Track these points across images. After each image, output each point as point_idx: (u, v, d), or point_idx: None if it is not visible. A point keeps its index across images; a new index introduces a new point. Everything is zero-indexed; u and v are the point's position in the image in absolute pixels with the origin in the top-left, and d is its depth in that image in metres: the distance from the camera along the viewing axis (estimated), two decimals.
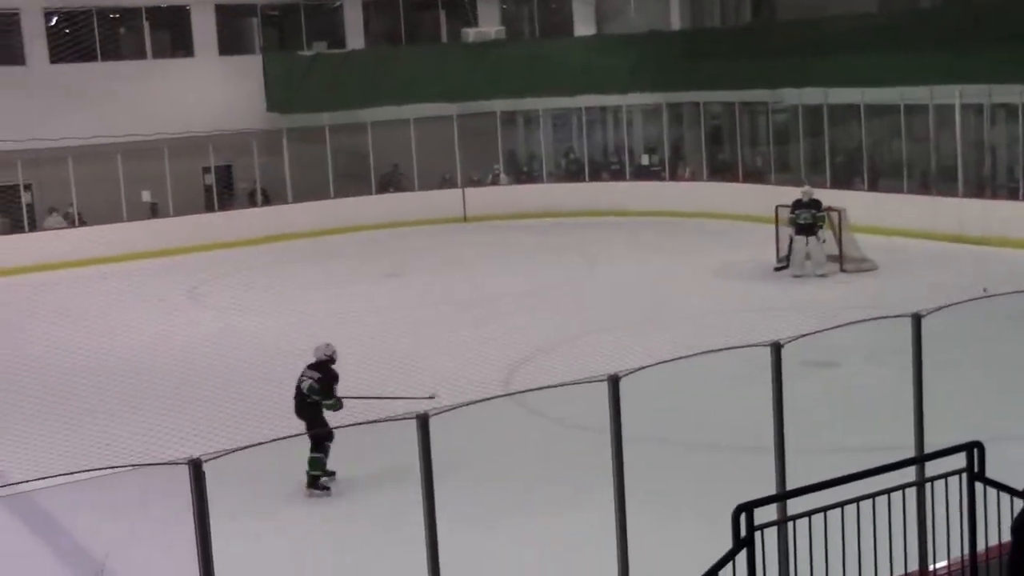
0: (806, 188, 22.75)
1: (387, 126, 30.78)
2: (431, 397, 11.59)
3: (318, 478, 11.72)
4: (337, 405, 11.81)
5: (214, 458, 5.62)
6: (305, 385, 11.85)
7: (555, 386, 9.54)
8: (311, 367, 12.02)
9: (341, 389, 11.82)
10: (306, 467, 11.63)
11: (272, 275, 24.81)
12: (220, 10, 30.54)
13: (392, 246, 27.41)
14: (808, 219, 21.62)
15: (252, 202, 30.05)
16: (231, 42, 30.82)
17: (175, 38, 30.46)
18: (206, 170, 29.43)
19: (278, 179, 29.91)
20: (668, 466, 11.80)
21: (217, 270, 25.63)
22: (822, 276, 21.44)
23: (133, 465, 8.80)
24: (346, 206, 30.10)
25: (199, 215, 29.03)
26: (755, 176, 29.37)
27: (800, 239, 21.69)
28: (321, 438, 11.47)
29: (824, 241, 21.71)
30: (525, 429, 13.15)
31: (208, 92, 29.82)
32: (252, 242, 28.55)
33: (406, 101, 30.41)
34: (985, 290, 18.45)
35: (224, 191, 29.91)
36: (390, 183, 31.54)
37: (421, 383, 14.83)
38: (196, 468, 5.71)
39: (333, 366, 11.99)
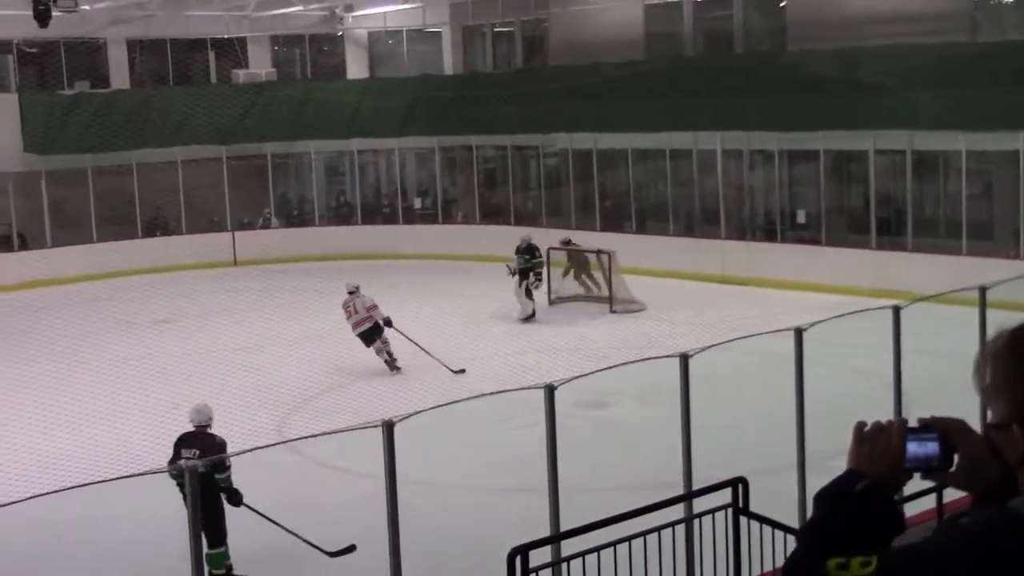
0: (524, 235, 23.28)
1: (154, 168, 29.92)
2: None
3: None
4: None
5: None
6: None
7: (330, 433, 9.41)
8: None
9: None
10: None
11: (29, 323, 23.59)
12: None
13: (160, 292, 26.51)
14: (521, 264, 22.15)
15: (8, 246, 28.69)
16: None
17: None
18: None
19: (37, 222, 28.68)
20: (445, 509, 11.77)
21: None
22: (525, 321, 21.88)
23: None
24: (111, 250, 29.00)
25: None
26: (527, 219, 29.80)
27: (516, 283, 22.19)
28: None
29: (536, 286, 22.14)
30: (301, 476, 12.93)
31: None
32: (6, 288, 27.05)
33: (174, 143, 29.70)
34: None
35: None
36: (157, 226, 30.64)
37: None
38: None
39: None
